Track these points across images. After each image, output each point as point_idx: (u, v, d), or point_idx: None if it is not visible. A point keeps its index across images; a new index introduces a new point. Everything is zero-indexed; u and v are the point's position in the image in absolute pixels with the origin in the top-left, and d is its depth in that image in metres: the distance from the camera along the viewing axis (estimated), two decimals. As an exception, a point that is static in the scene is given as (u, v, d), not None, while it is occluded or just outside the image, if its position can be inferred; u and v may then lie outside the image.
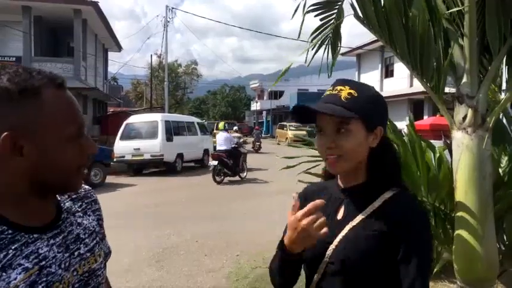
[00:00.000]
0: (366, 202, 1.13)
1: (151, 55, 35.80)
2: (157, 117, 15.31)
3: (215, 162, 11.89)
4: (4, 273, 0.77)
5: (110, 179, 12.33)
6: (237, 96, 69.41)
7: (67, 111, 0.84)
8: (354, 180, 1.16)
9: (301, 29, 2.52)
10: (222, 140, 12.57)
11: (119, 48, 29.88)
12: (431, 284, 4.00)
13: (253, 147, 23.64)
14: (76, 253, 0.90)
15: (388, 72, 27.00)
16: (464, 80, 1.94)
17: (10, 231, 0.81)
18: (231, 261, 5.37)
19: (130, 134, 14.58)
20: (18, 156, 0.80)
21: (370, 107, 1.11)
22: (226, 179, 12.41)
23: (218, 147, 12.55)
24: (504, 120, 2.52)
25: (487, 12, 1.85)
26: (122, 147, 13.75)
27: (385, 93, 25.95)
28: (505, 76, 2.01)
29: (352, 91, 1.10)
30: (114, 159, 12.97)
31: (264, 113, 53.75)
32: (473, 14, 1.85)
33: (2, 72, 0.80)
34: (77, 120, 0.85)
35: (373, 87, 1.19)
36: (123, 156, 13.78)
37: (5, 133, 0.78)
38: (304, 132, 26.74)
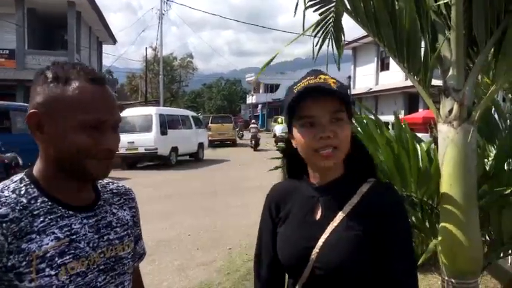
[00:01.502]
0: (343, 198, 1.07)
1: (146, 48, 35.63)
2: (152, 111, 15.27)
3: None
4: (38, 237, 0.87)
5: (104, 172, 12.30)
6: (232, 89, 69.20)
7: (89, 102, 0.90)
8: (332, 175, 1.10)
9: (304, 24, 2.49)
10: None
11: (113, 41, 29.65)
12: (421, 276, 4.03)
13: (250, 144, 22.46)
14: (105, 237, 0.98)
15: (383, 66, 26.99)
16: (451, 73, 1.93)
17: (49, 203, 0.91)
18: (223, 255, 5.38)
19: (124, 128, 14.51)
20: (40, 133, 0.92)
21: (349, 98, 1.08)
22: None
23: None
24: (496, 114, 2.52)
25: (473, 4, 1.83)
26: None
27: (381, 86, 25.98)
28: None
29: (333, 80, 1.05)
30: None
31: (260, 106, 53.70)
32: (460, 6, 1.84)
33: (53, 65, 0.96)
34: (96, 113, 0.91)
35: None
36: (118, 150, 13.71)
37: (33, 110, 0.92)
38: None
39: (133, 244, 1.08)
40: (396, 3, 2.03)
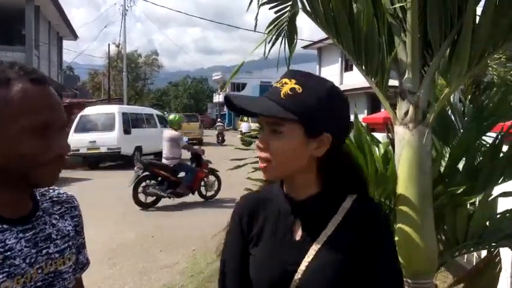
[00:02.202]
0: (324, 216, 0.98)
1: (108, 44, 34.66)
2: (115, 109, 14.93)
3: None
4: None
5: (65, 173, 11.87)
6: (199, 88, 68.69)
7: (34, 104, 0.84)
8: (303, 192, 1.00)
9: (256, 21, 2.47)
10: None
11: (74, 36, 28.70)
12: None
13: (217, 141, 24.77)
14: (44, 251, 0.92)
15: (347, 66, 27.51)
16: (407, 75, 1.96)
17: None
18: (186, 257, 5.31)
19: (86, 126, 14.11)
20: None
21: (315, 108, 0.93)
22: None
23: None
24: (452, 116, 2.57)
25: (428, 7, 1.86)
26: (77, 140, 13.24)
27: (345, 86, 26.45)
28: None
29: (296, 86, 0.94)
30: (69, 153, 12.52)
31: (227, 105, 53.58)
32: (415, 9, 1.86)
33: None
34: (43, 115, 0.85)
35: (331, 84, 1.00)
36: (78, 150, 13.32)
37: None
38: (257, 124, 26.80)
39: (75, 256, 1.02)
40: (354, 5, 2.04)
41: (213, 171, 8.93)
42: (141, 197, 7.97)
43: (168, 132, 8.69)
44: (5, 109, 0.83)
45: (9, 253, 0.85)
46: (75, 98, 31.38)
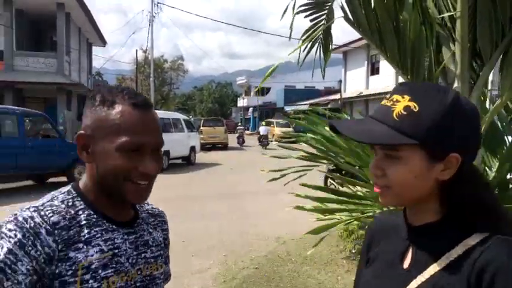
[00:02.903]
0: (441, 248, 0.84)
1: (136, 50, 35.36)
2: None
3: None
4: (85, 247, 0.90)
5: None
6: (223, 92, 69.14)
7: (129, 126, 0.92)
8: (421, 217, 0.88)
9: (291, 29, 2.49)
10: None
11: (103, 42, 29.43)
12: None
13: (237, 142, 27.15)
14: (143, 255, 1.02)
15: (374, 70, 27.18)
16: (456, 85, 1.92)
17: (95, 216, 0.95)
18: (218, 262, 5.32)
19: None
20: (86, 153, 0.96)
21: (436, 128, 0.79)
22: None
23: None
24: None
25: (478, 18, 1.82)
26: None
27: (371, 90, 26.16)
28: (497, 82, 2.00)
29: (411, 104, 0.80)
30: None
31: (251, 109, 53.70)
32: (465, 19, 1.83)
33: (103, 88, 0.99)
34: (137, 137, 0.92)
35: (454, 95, 0.81)
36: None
37: (80, 132, 0.96)
38: (291, 129, 26.85)
39: (164, 265, 1.10)
40: (400, 14, 2.02)
41: None
42: None
43: None
44: (106, 127, 0.93)
45: (117, 251, 0.95)
46: (104, 102, 32.09)
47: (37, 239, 0.85)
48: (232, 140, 27.59)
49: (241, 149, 25.37)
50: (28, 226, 0.86)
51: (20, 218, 0.87)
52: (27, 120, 10.81)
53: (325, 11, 2.58)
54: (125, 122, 0.92)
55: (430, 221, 0.87)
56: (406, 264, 0.88)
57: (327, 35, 2.68)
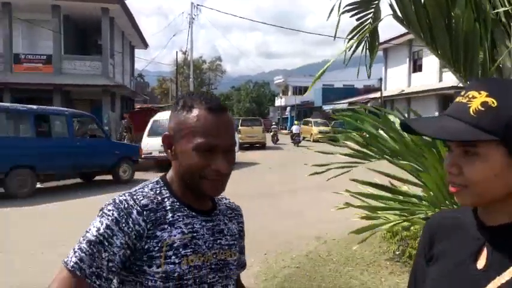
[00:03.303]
0: None
1: (176, 52, 36.14)
2: (184, 114, 15.40)
3: None
4: (169, 228, 1.04)
5: (138, 175, 12.51)
6: (261, 92, 69.33)
7: (204, 129, 1.03)
8: (497, 217, 0.85)
9: (336, 29, 2.49)
10: None
11: (145, 45, 30.26)
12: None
13: (272, 140, 28.13)
14: (218, 241, 1.13)
15: (416, 67, 26.43)
16: (512, 82, 1.85)
17: (177, 203, 1.09)
18: (259, 261, 5.36)
19: (158, 131, 14.74)
20: (171, 152, 1.09)
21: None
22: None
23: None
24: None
25: (537, 12, 1.76)
26: (150, 144, 13.92)
27: (413, 88, 25.44)
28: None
29: (490, 99, 0.78)
30: (142, 156, 13.17)
31: (288, 108, 53.55)
32: (523, 13, 1.76)
33: (190, 93, 1.12)
34: (212, 138, 1.03)
35: None
36: (151, 153, 13.96)
37: (166, 133, 1.10)
38: (328, 128, 26.56)
39: (238, 254, 1.20)
40: (452, 10, 1.97)
41: None
42: None
43: None
44: (185, 129, 1.05)
45: (195, 234, 1.07)
46: (145, 103, 33.07)
47: (129, 217, 1.00)
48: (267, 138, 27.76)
49: (279, 148, 25.38)
50: (123, 206, 1.01)
51: (117, 201, 1.03)
52: (75, 121, 11.31)
53: (372, 10, 2.55)
54: (200, 125, 1.04)
55: (507, 221, 0.84)
56: (481, 264, 0.86)
57: (374, 33, 2.66)
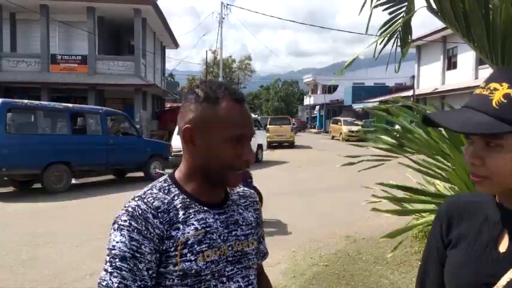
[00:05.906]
0: None
1: (206, 51, 36.54)
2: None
3: None
4: (182, 226, 1.02)
5: (168, 171, 12.68)
6: (289, 90, 69.11)
7: (234, 119, 1.03)
8: None
9: (368, 23, 2.45)
10: None
11: (175, 45, 30.73)
12: None
13: None
14: (233, 233, 1.10)
15: (450, 64, 25.67)
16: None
17: (188, 200, 1.07)
18: (287, 257, 5.35)
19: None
20: (192, 145, 1.06)
21: None
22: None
23: None
24: None
25: None
26: (179, 142, 14.07)
27: (448, 86, 24.73)
28: None
29: (507, 92, 0.79)
30: (172, 153, 13.40)
31: (317, 107, 53.13)
32: None
33: (201, 84, 1.09)
34: (240, 129, 1.04)
35: None
36: (180, 151, 14.12)
37: (187, 125, 1.05)
38: (358, 128, 26.16)
39: (256, 243, 1.18)
40: (490, 1, 1.91)
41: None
42: None
43: None
44: (213, 122, 1.03)
45: (209, 229, 1.05)
46: (175, 102, 33.57)
47: (148, 223, 0.99)
48: (302, 138, 27.60)
49: (308, 147, 25.24)
50: (137, 214, 0.99)
51: (130, 209, 1.01)
52: (109, 119, 11.62)
53: (405, 3, 2.50)
54: (232, 117, 1.03)
55: None
56: (503, 248, 0.87)
57: (407, 27, 2.61)
